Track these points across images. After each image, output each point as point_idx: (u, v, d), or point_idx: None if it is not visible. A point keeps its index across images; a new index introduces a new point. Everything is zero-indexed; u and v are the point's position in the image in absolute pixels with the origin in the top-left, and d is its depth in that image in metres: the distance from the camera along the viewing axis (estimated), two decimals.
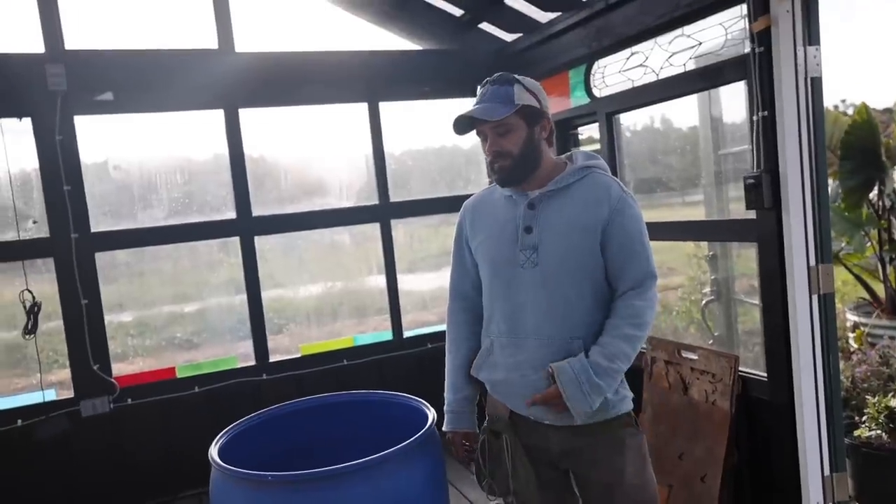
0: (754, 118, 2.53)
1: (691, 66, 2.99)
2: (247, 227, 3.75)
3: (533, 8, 3.69)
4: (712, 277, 3.85)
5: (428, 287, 4.44)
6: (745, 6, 2.56)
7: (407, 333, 4.17)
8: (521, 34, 3.98)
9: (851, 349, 4.01)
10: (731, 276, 3.81)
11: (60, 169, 3.32)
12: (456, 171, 4.61)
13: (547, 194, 1.74)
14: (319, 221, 4.02)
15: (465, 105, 1.74)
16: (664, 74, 3.11)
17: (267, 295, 3.84)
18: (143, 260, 3.76)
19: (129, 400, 3.50)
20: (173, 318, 3.89)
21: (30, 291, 3.24)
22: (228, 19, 3.68)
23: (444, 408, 1.91)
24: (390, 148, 4.12)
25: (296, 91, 3.83)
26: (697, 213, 4.05)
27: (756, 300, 3.50)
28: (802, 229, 2.45)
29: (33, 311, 3.23)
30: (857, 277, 4.77)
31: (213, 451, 2.00)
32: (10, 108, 3.25)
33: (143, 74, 3.47)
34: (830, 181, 4.27)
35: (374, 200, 4.08)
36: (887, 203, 4.42)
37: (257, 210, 3.78)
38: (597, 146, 3.64)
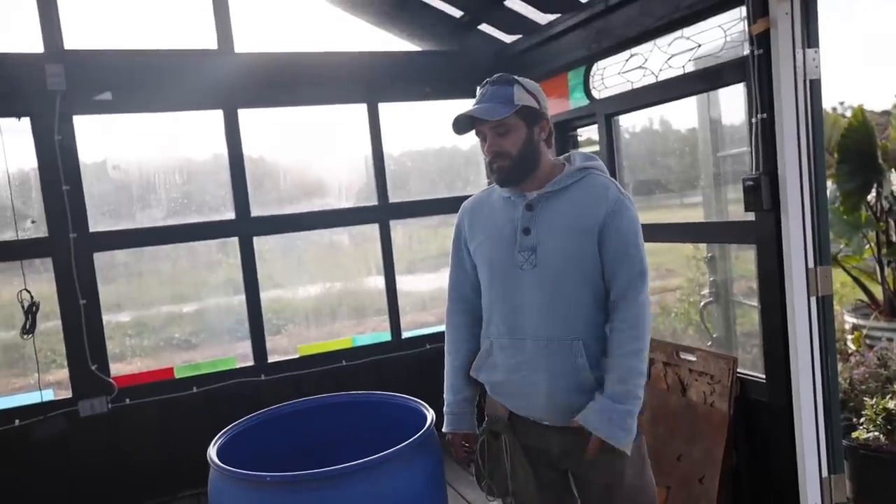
0: (753, 120, 2.54)
1: (690, 67, 2.99)
2: (246, 227, 3.75)
3: (532, 9, 3.70)
4: (711, 279, 3.85)
5: (427, 288, 4.44)
6: (744, 8, 2.56)
7: (406, 334, 4.17)
8: (520, 35, 3.98)
9: (849, 351, 4.01)
10: (729, 278, 3.82)
11: (59, 169, 3.31)
12: (455, 172, 4.61)
13: (545, 195, 1.74)
14: (318, 222, 4.02)
15: (465, 106, 1.75)
16: (663, 76, 3.12)
17: (266, 295, 3.84)
18: (141, 260, 3.76)
19: (128, 400, 3.49)
20: (172, 318, 3.88)
21: (28, 291, 3.23)
22: (228, 19, 3.68)
23: (444, 409, 1.92)
24: (389, 149, 4.13)
25: (295, 91, 3.83)
26: (696, 215, 4.06)
27: (754, 302, 3.50)
28: (801, 231, 2.46)
29: (31, 310, 3.23)
30: (856, 279, 4.78)
31: (212, 452, 2.00)
32: (9, 107, 3.25)
33: (142, 74, 3.47)
34: (829, 183, 4.28)
35: (374, 201, 4.08)
36: (885, 205, 4.43)
37: (256, 211, 3.78)
38: (596, 148, 3.65)
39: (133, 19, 3.64)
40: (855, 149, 4.20)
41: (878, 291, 4.65)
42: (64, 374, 3.46)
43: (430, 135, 4.52)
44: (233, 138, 3.69)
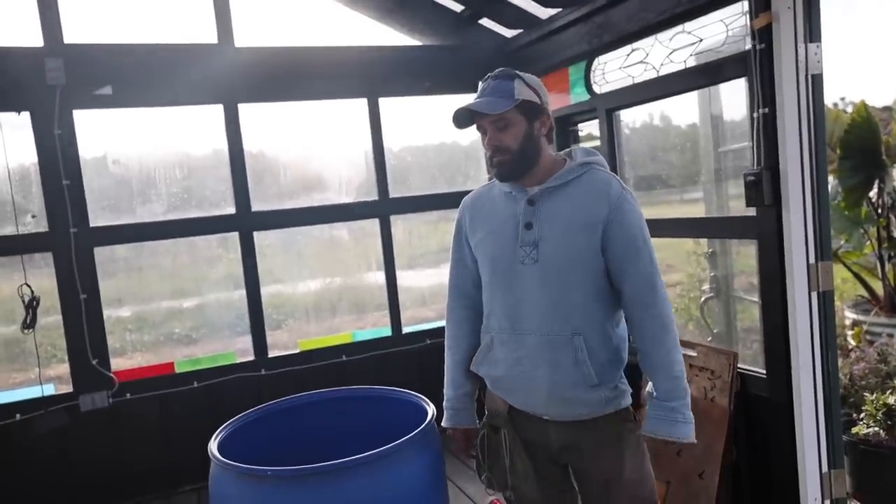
0: (755, 115, 2.53)
1: (692, 62, 2.98)
2: (246, 222, 3.75)
3: (533, 4, 3.68)
4: (711, 274, 3.85)
5: (427, 283, 4.44)
6: (746, 2, 2.55)
7: (406, 329, 4.17)
8: (521, 30, 3.97)
9: (850, 347, 4.01)
10: (730, 273, 3.81)
11: (59, 163, 3.31)
12: (455, 167, 4.60)
13: (547, 191, 1.74)
14: (319, 217, 4.01)
15: (466, 101, 1.74)
16: (665, 71, 3.11)
17: (266, 290, 3.84)
18: (141, 255, 3.76)
19: (128, 395, 3.50)
20: (172, 313, 3.88)
21: (28, 286, 3.23)
22: (228, 13, 3.67)
23: (444, 404, 1.92)
24: (389, 143, 4.12)
25: (295, 86, 3.82)
26: (697, 210, 4.05)
27: (755, 297, 3.50)
28: (802, 227, 2.45)
29: (32, 305, 3.23)
30: (856, 275, 4.78)
31: (213, 446, 2.01)
32: (8, 102, 3.24)
33: (142, 69, 3.46)
34: (830, 179, 4.27)
35: (374, 196, 4.08)
36: (888, 201, 4.43)
37: (256, 205, 3.78)
38: (596, 143, 3.64)
39: (133, 13, 3.64)
40: (858, 144, 4.19)
41: (878, 287, 4.65)
42: (64, 368, 3.46)
43: (430, 130, 4.51)
44: (233, 133, 3.69)
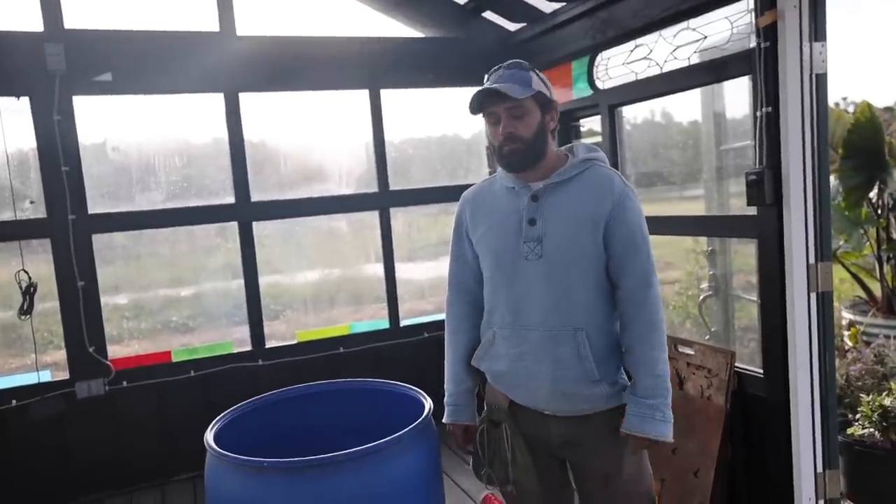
0: (758, 114, 2.52)
1: (696, 59, 2.97)
2: (245, 212, 3.73)
3: None
4: (710, 273, 3.85)
5: (426, 276, 4.43)
6: (751, 0, 2.53)
7: (404, 322, 4.17)
8: (524, 24, 3.95)
9: (846, 347, 4.02)
10: (729, 272, 3.81)
11: (58, 149, 3.29)
12: (457, 161, 4.59)
13: (550, 186, 1.74)
14: (318, 208, 4.00)
15: (468, 93, 1.72)
16: (668, 68, 3.09)
17: (264, 280, 3.83)
18: (140, 243, 3.75)
19: (125, 383, 3.50)
20: (169, 301, 3.88)
21: (26, 272, 3.22)
22: (230, 2, 3.64)
23: (445, 399, 1.92)
24: (390, 136, 4.10)
25: (297, 76, 3.80)
26: (697, 208, 4.05)
27: (753, 296, 3.50)
28: (803, 227, 2.45)
29: (29, 291, 3.22)
30: (854, 276, 4.78)
31: (209, 437, 2.00)
32: (8, 86, 3.22)
33: (143, 56, 3.44)
34: (831, 179, 4.26)
35: (374, 188, 4.06)
36: (889, 202, 4.42)
37: (256, 195, 3.77)
38: (597, 139, 3.63)
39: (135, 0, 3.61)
40: (861, 144, 4.18)
41: (876, 288, 4.66)
42: (61, 354, 3.46)
43: (432, 122, 4.49)
44: (234, 122, 3.67)
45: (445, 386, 1.93)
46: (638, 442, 1.72)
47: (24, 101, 3.27)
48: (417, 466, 1.94)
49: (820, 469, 2.51)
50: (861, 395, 2.92)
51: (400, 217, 4.21)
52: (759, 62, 2.48)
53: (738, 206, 3.52)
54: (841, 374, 3.14)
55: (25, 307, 3.22)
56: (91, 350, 3.41)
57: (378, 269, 4.14)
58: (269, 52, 3.70)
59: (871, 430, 2.77)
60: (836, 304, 4.66)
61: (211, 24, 3.63)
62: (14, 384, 3.35)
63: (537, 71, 1.76)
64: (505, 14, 3.99)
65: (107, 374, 3.45)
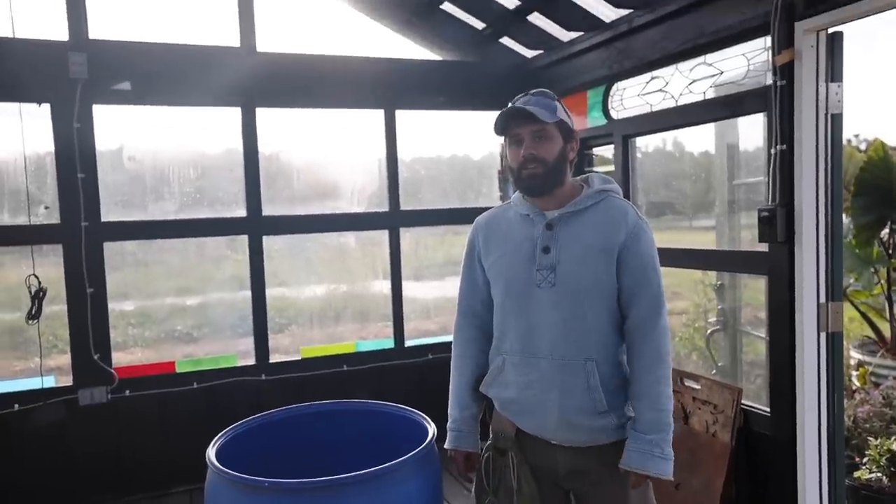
0: (772, 151, 2.52)
1: (711, 94, 2.99)
2: (256, 226, 3.75)
3: (556, 26, 3.70)
4: (719, 307, 3.83)
5: (431, 295, 4.43)
6: (769, 38, 2.55)
7: (409, 342, 4.15)
8: (541, 51, 3.98)
9: (854, 388, 3.98)
10: (737, 307, 3.79)
11: (76, 156, 3.33)
12: (468, 183, 4.61)
13: (566, 215, 1.75)
14: (329, 225, 4.02)
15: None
16: (683, 101, 3.11)
17: (270, 293, 3.83)
18: (149, 251, 3.76)
19: (128, 392, 3.49)
20: (175, 310, 3.88)
21: (36, 277, 3.24)
22: (252, 18, 3.70)
23: (449, 425, 1.90)
24: (403, 154, 4.13)
25: (314, 93, 3.83)
26: (707, 239, 4.04)
27: (760, 332, 3.48)
28: (815, 266, 2.44)
29: (38, 296, 3.23)
30: (864, 315, 4.74)
31: (211, 453, 1.99)
32: (30, 93, 3.26)
33: (163, 67, 3.49)
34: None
35: (385, 207, 4.08)
36: None
37: (267, 209, 3.78)
38: (609, 167, 3.64)
39: (158, 12, 3.67)
40: (873, 183, 4.18)
41: (885, 328, 4.62)
42: (65, 359, 3.46)
43: (443, 143, 4.52)
44: (249, 137, 3.70)
45: (449, 411, 1.91)
46: (638, 478, 1.70)
47: (45, 108, 3.31)
48: (419, 492, 1.93)
49: None
50: (869, 438, 2.89)
51: (407, 235, 4.22)
52: (775, 100, 2.49)
53: (749, 238, 3.51)
54: (848, 416, 3.11)
55: (34, 312, 3.23)
56: (96, 357, 3.41)
57: (385, 287, 4.14)
58: (288, 68, 3.74)
59: (879, 474, 2.74)
60: (844, 342, 4.63)
61: (232, 39, 3.68)
62: (17, 388, 3.35)
63: (561, 101, 1.79)
64: (522, 41, 4.03)
65: (110, 381, 3.45)
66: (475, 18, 3.98)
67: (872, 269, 4.51)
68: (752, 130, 3.59)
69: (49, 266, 3.37)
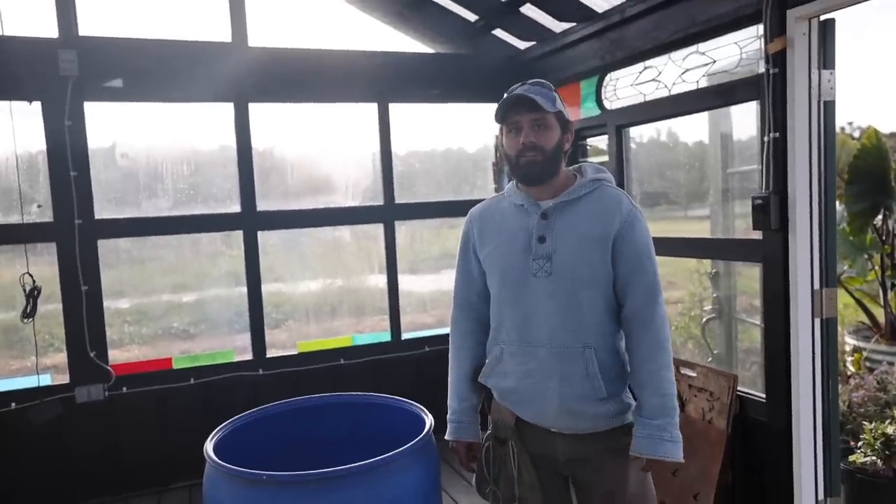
0: (765, 139, 2.53)
1: (704, 83, 2.99)
2: (251, 221, 3.74)
3: (548, 17, 3.70)
4: (714, 295, 3.84)
5: (427, 289, 4.43)
6: (761, 26, 2.56)
7: (405, 335, 4.16)
8: (534, 42, 3.98)
9: (849, 373, 4.00)
10: (732, 294, 3.81)
11: (68, 154, 3.31)
12: (462, 176, 4.60)
13: (560, 205, 1.75)
14: (324, 220, 4.02)
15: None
16: (677, 90, 3.11)
17: (266, 289, 3.83)
18: (144, 248, 3.75)
19: (125, 388, 3.49)
20: (171, 307, 3.88)
21: (30, 275, 3.23)
22: (243, 13, 3.68)
23: (449, 416, 1.91)
24: (397, 148, 4.12)
25: (307, 88, 3.82)
26: (702, 228, 4.05)
27: (756, 319, 3.49)
28: (808, 253, 2.45)
29: (33, 294, 3.22)
30: (858, 301, 4.77)
31: (209, 447, 2.00)
32: (21, 91, 3.24)
33: (155, 64, 3.47)
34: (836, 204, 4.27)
35: (380, 201, 4.07)
36: (893, 228, 4.42)
37: (262, 205, 3.78)
38: (601, 158, 3.64)
39: (149, 8, 3.65)
40: (867, 170, 4.20)
41: (879, 314, 4.65)
42: (61, 357, 3.45)
43: (438, 136, 4.51)
44: (242, 132, 3.69)
45: (449, 402, 1.92)
46: (648, 464, 1.71)
47: (36, 106, 3.29)
48: (417, 483, 1.93)
49: (821, 496, 2.49)
50: (864, 422, 2.90)
51: (403, 229, 4.22)
52: (768, 88, 2.49)
53: (743, 227, 3.52)
54: (843, 401, 3.12)
55: (28, 310, 3.22)
56: (92, 355, 3.40)
57: (381, 281, 4.14)
58: (280, 63, 3.73)
59: (874, 458, 2.75)
60: (839, 329, 4.66)
61: (223, 34, 3.67)
62: (14, 387, 3.35)
63: (558, 93, 1.79)
64: (515, 32, 4.03)
65: (107, 379, 3.45)
66: (467, 10, 3.97)
67: (866, 256, 4.53)
68: (745, 119, 3.60)
69: (43, 264, 3.36)
